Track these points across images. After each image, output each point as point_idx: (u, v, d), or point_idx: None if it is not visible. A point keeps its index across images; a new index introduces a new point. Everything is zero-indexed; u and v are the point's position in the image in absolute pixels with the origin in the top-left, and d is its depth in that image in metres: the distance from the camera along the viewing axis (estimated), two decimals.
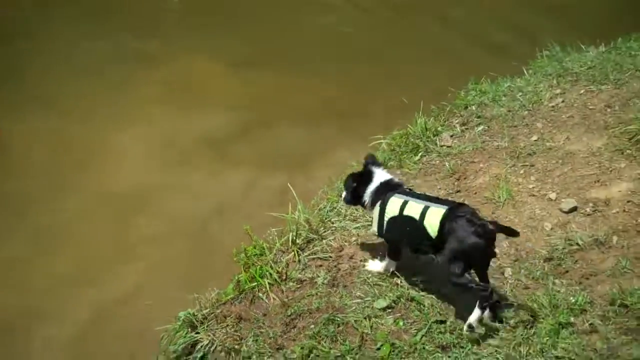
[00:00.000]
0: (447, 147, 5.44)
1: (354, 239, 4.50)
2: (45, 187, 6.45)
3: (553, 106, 5.65)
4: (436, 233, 3.68)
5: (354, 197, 4.23)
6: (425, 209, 3.81)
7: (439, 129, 5.69)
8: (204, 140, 6.94)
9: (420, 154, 5.41)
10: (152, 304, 4.60)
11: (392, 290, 3.97)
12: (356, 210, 4.73)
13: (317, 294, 4.10)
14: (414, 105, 5.93)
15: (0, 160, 6.81)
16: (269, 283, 4.21)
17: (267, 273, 4.28)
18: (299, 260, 4.38)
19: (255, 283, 4.24)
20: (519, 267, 4.03)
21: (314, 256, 4.40)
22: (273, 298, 4.14)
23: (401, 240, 4.03)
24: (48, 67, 8.25)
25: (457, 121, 5.81)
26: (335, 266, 4.31)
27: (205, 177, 5.95)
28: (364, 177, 4.23)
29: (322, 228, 4.66)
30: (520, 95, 5.92)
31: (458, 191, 4.84)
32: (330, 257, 4.38)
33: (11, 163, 6.80)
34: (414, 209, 3.85)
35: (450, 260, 3.60)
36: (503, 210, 4.52)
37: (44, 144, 6.98)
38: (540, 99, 5.79)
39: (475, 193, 4.76)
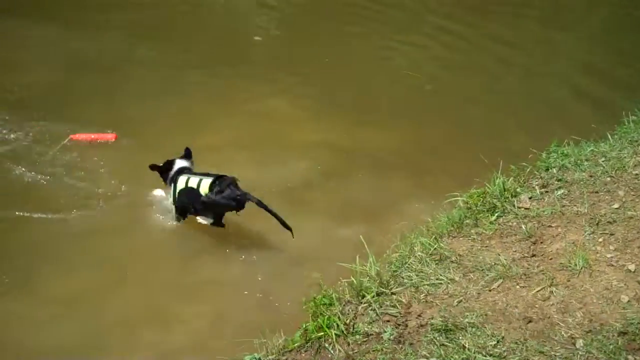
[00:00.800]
0: (525, 209, 5.35)
1: (423, 296, 4.46)
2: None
3: (637, 174, 5.50)
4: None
5: (164, 179, 6.55)
6: (200, 180, 6.16)
7: (518, 190, 5.62)
8: (278, 187, 7.02)
9: (497, 214, 5.34)
10: (218, 348, 4.66)
11: (459, 352, 3.90)
12: (427, 267, 4.73)
13: (382, 349, 4.07)
14: (493, 163, 5.90)
15: None
16: (335, 334, 4.22)
17: (335, 324, 4.28)
18: (367, 314, 4.39)
19: (322, 333, 4.25)
20: (592, 339, 3.90)
21: (382, 310, 4.39)
22: (338, 349, 4.13)
23: (187, 205, 6.34)
24: (136, 94, 8.63)
25: (536, 183, 5.72)
26: (402, 322, 4.27)
27: (276, 223, 6.01)
28: (168, 165, 6.54)
29: (393, 282, 4.65)
30: (603, 161, 5.79)
31: (533, 255, 4.74)
32: (399, 313, 4.36)
33: None
34: (193, 181, 6.19)
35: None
36: (579, 279, 4.40)
37: None
38: (624, 166, 5.64)
39: (551, 259, 4.65)
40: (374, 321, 4.32)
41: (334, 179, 7.33)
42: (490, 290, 4.42)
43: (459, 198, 5.70)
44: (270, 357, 4.21)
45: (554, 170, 5.85)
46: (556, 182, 5.64)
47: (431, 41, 10.93)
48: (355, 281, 4.63)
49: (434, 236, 5.16)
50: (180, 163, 6.56)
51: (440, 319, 4.18)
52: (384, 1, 12.27)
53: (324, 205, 6.92)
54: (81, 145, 7.53)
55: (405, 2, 12.39)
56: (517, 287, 4.42)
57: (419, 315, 4.31)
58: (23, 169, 7.13)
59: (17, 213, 6.54)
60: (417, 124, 8.51)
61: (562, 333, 3.93)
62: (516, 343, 3.91)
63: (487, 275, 4.55)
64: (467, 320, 4.14)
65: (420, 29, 11.44)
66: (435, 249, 4.92)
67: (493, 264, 4.67)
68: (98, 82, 9.00)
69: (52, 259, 6.15)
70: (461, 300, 4.35)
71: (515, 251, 4.84)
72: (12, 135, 7.65)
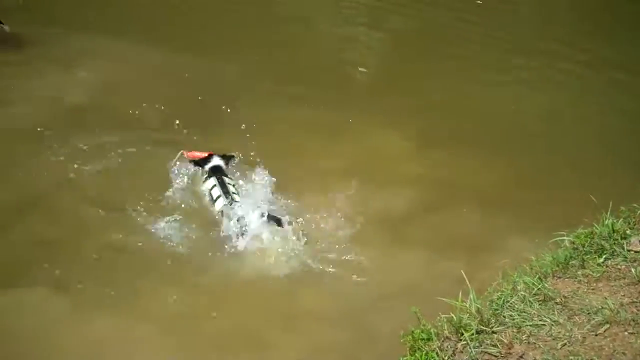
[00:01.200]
0: (635, 252, 5.16)
1: (525, 336, 4.37)
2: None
3: None
4: None
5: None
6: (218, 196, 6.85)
7: (628, 232, 5.42)
8: (380, 217, 7.05)
9: (605, 256, 5.16)
10: None
11: None
12: (530, 307, 4.63)
13: None
14: (602, 203, 5.72)
15: None
16: None
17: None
18: (466, 351, 4.33)
19: None
20: None
21: (482, 349, 4.32)
22: None
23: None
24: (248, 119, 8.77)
25: None
26: None
27: (376, 255, 6.05)
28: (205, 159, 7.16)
29: (494, 321, 4.57)
30: None
31: None
32: (500, 352, 4.28)
33: None
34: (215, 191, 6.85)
35: None
36: None
37: None
38: None
39: None
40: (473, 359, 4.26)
41: (436, 212, 7.31)
42: (596, 335, 4.28)
43: (565, 238, 5.56)
44: None
45: None
46: None
47: (536, 73, 10.74)
48: (455, 317, 4.58)
49: (537, 275, 5.04)
50: (216, 161, 7.10)
51: None
52: (490, 33, 12.19)
53: (424, 237, 6.91)
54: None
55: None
56: (625, 333, 4.25)
57: (521, 357, 4.22)
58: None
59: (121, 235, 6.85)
60: (523, 158, 8.36)
61: None
62: None
63: (594, 319, 4.41)
64: None
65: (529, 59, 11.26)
66: (539, 288, 4.80)
67: (600, 307, 4.51)
68: (211, 107, 9.28)
69: (153, 278, 6.39)
70: (565, 344, 4.23)
71: (624, 295, 4.66)
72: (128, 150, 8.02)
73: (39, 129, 8.14)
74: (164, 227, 6.90)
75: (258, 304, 6.20)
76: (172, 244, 6.76)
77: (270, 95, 9.77)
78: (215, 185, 6.95)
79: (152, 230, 6.85)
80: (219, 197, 6.88)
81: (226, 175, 7.09)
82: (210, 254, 6.67)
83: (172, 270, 6.50)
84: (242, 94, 9.71)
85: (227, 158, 7.44)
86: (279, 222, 6.65)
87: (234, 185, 7.08)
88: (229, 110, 8.86)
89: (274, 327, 5.87)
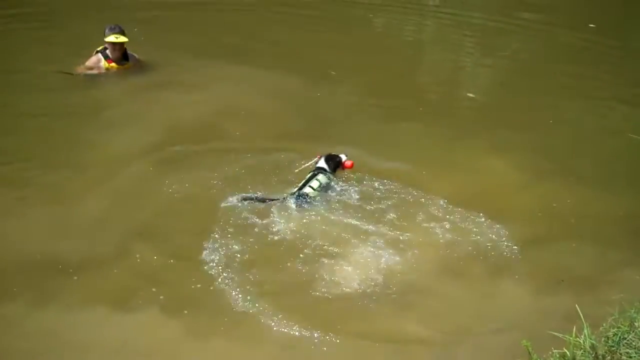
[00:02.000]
0: None
1: None
2: None
3: None
4: None
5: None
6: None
7: None
8: (486, 251, 6.89)
9: None
10: None
11: None
12: None
13: None
14: None
15: None
16: None
17: None
18: None
19: None
20: None
21: None
22: None
23: None
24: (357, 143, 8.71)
25: None
26: None
27: (479, 292, 5.92)
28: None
29: (609, 358, 4.40)
30: None
31: None
32: None
33: None
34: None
35: None
36: None
37: None
38: None
39: None
40: None
41: (544, 243, 7.08)
42: None
43: None
44: None
45: None
46: None
47: None
48: (568, 353, 4.44)
49: None
50: (321, 163, 7.63)
51: None
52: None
53: (532, 270, 6.67)
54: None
55: None
56: None
57: None
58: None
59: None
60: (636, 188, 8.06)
61: None
62: None
63: None
64: None
65: None
66: None
67: None
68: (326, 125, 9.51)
69: None
70: None
71: None
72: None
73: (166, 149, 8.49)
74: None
75: None
76: None
77: (379, 114, 9.90)
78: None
79: None
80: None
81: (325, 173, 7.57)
82: None
83: None
84: (355, 114, 9.90)
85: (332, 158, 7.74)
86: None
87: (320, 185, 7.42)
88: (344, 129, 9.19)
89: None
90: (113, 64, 10.21)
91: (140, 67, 10.58)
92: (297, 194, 7.24)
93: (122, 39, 10.01)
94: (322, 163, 7.62)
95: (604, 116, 10.23)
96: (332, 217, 7.12)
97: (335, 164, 7.70)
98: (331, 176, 7.58)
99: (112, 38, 9.93)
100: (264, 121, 9.38)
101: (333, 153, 7.77)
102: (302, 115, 9.71)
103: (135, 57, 10.49)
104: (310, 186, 7.31)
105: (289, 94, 10.34)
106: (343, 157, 7.73)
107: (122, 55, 10.21)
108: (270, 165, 8.04)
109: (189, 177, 7.79)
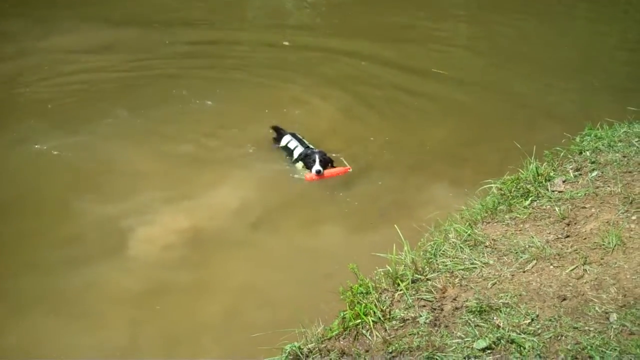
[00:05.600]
0: (559, 192, 5.37)
1: (457, 280, 4.52)
2: None
3: None
4: None
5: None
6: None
7: (552, 174, 5.64)
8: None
9: (530, 198, 5.37)
10: (260, 338, 4.78)
11: (493, 331, 3.95)
12: (462, 253, 4.79)
13: (418, 332, 4.13)
14: (527, 150, 5.93)
15: None
16: (372, 321, 4.29)
17: (372, 311, 4.36)
18: (403, 300, 4.47)
19: (360, 320, 4.33)
20: (626, 312, 3.91)
21: (418, 296, 4.46)
22: (376, 335, 4.21)
23: None
24: None
25: (570, 167, 5.73)
26: (438, 307, 4.33)
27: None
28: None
29: (428, 269, 4.72)
30: (636, 141, 5.78)
31: (567, 236, 4.76)
32: (434, 298, 4.42)
33: None
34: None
35: None
36: (612, 256, 4.41)
37: None
38: None
39: (585, 238, 4.67)
40: (410, 307, 4.38)
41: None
42: (524, 272, 4.46)
43: (492, 185, 5.75)
44: (309, 345, 4.31)
45: (588, 153, 5.86)
46: (590, 165, 5.65)
47: None
48: (391, 269, 4.71)
49: (467, 223, 5.23)
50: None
51: (475, 301, 4.24)
52: None
53: (360, 200, 7.02)
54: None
55: None
56: (551, 267, 4.45)
57: (454, 299, 4.37)
58: None
59: None
60: (451, 115, 8.62)
61: (596, 309, 3.95)
62: (550, 320, 3.95)
63: (521, 257, 4.60)
64: (501, 301, 4.19)
65: None
66: (469, 235, 4.98)
67: (527, 246, 4.71)
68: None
69: None
70: (495, 283, 4.40)
71: (549, 233, 4.86)
72: None
73: None
74: None
75: None
76: None
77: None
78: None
79: None
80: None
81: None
82: None
83: None
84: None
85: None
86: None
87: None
88: None
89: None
90: None
91: None
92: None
93: None
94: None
95: None
96: None
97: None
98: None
99: None
100: None
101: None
102: None
103: None
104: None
105: None
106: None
107: None
108: None
109: None
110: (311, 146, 8.13)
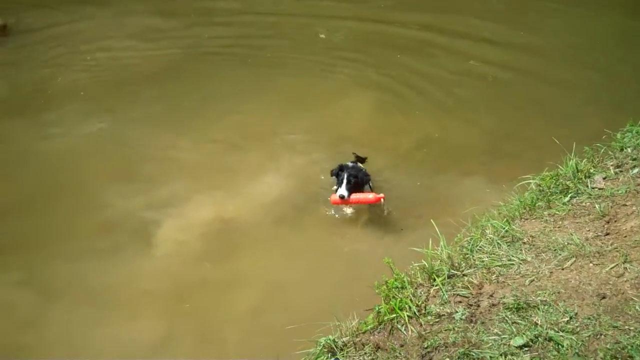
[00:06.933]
0: (599, 189, 5.29)
1: (494, 276, 4.48)
2: None
3: None
4: None
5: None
6: None
7: (592, 170, 5.55)
8: None
9: (570, 195, 5.29)
10: (294, 328, 4.80)
11: (531, 329, 3.91)
12: (499, 249, 4.75)
13: (454, 328, 4.11)
14: (567, 146, 5.85)
15: None
16: (407, 315, 4.29)
17: (407, 306, 4.36)
18: (439, 296, 4.44)
19: (395, 315, 4.33)
20: None
21: (454, 292, 4.43)
22: (411, 330, 4.20)
23: None
24: None
25: (611, 163, 5.63)
26: (474, 303, 4.31)
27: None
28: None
29: (464, 265, 4.69)
30: None
31: (607, 234, 4.68)
32: (471, 294, 4.39)
33: None
34: None
35: None
36: None
37: None
38: None
39: (625, 236, 4.59)
40: (445, 302, 4.36)
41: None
42: (562, 269, 4.40)
43: (531, 181, 5.68)
44: (344, 338, 4.32)
45: (629, 150, 5.75)
46: (631, 162, 5.54)
47: None
48: (427, 264, 4.69)
49: (505, 219, 5.17)
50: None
51: (512, 298, 4.20)
52: None
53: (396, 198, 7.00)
54: None
55: None
56: (591, 265, 4.38)
57: (491, 295, 4.33)
58: None
59: None
60: (490, 111, 8.54)
61: (637, 307, 3.89)
62: (589, 319, 3.90)
63: (560, 254, 4.54)
64: (539, 298, 4.15)
65: None
66: (506, 231, 4.93)
67: (566, 243, 4.65)
68: None
69: None
70: (533, 280, 4.35)
71: (589, 230, 4.79)
72: None
73: None
74: None
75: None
76: None
77: None
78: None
79: None
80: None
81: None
82: None
83: None
84: None
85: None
86: None
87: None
88: None
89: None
90: None
91: None
92: None
93: None
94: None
95: None
96: None
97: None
98: None
99: None
100: None
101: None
102: None
103: None
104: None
105: None
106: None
107: None
108: None
109: None
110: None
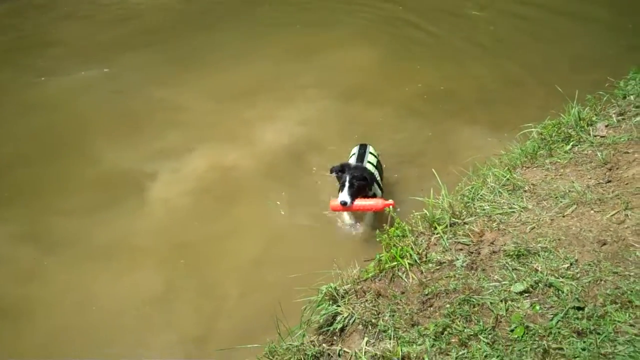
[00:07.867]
0: (601, 137, 5.25)
1: (495, 224, 4.48)
2: None
3: None
4: None
5: None
6: None
7: (594, 118, 5.51)
8: None
9: (572, 143, 5.27)
10: (297, 277, 4.82)
11: (531, 275, 3.92)
12: (500, 197, 4.74)
13: (455, 275, 4.13)
14: (569, 94, 5.80)
15: None
16: (408, 263, 4.31)
17: (408, 254, 4.37)
18: (440, 244, 4.45)
19: (396, 263, 4.34)
20: None
21: (455, 240, 4.44)
22: (412, 277, 4.22)
23: None
24: None
25: (613, 111, 5.58)
26: (475, 250, 4.31)
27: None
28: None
29: (465, 213, 4.69)
30: None
31: (609, 181, 4.66)
32: (471, 241, 4.39)
33: None
34: None
35: None
36: None
37: None
38: None
39: (627, 184, 4.57)
40: (446, 250, 4.37)
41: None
42: (563, 216, 4.39)
43: (533, 129, 5.65)
44: (345, 286, 4.34)
45: (632, 97, 5.70)
46: (634, 109, 5.50)
47: None
48: (428, 213, 4.69)
49: (506, 167, 5.16)
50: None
51: (513, 245, 4.21)
52: None
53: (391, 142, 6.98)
54: None
55: None
56: (592, 212, 4.37)
57: (492, 243, 4.34)
58: None
59: None
60: (494, 59, 8.48)
61: (637, 254, 3.89)
62: (589, 265, 3.90)
63: (561, 202, 4.53)
64: (539, 245, 4.15)
65: None
66: (507, 179, 4.92)
67: (567, 191, 4.63)
68: None
69: None
70: (534, 227, 4.35)
71: (590, 178, 4.77)
72: None
73: None
74: None
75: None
76: None
77: None
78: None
79: None
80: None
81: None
82: None
83: None
84: None
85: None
86: None
87: None
88: None
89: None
90: None
91: None
92: None
93: None
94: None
95: None
96: None
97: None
98: None
99: None
100: None
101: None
102: None
103: None
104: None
105: None
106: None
107: None
108: None
109: None
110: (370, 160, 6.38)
